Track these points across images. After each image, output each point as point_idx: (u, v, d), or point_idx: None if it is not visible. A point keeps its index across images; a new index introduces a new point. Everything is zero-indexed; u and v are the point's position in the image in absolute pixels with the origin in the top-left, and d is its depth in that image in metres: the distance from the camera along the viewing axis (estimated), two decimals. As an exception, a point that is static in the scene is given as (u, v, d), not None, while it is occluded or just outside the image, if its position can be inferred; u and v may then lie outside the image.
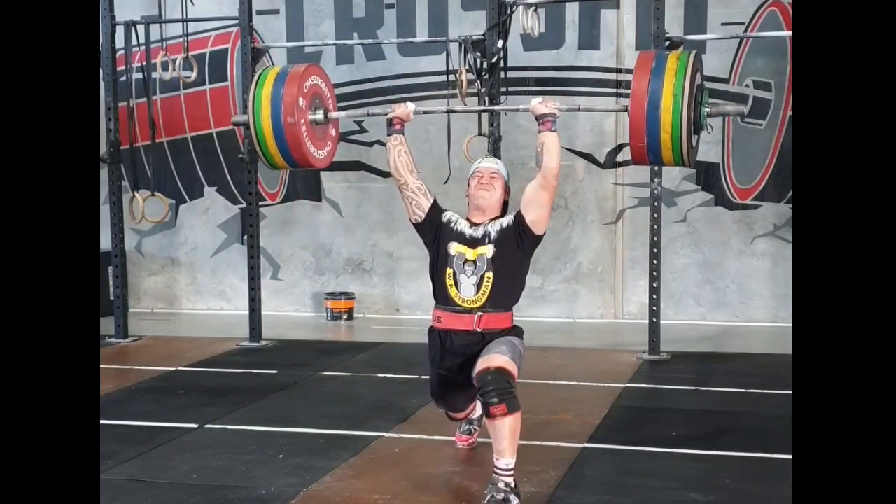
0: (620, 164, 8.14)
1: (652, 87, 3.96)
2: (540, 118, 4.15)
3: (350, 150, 8.63)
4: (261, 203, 8.09)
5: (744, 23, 7.79)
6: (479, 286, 3.99)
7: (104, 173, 7.39)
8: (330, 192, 8.76)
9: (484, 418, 3.92)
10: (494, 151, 6.80)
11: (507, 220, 4.11)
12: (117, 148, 7.41)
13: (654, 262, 6.57)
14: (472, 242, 4.05)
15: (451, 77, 6.72)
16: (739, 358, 6.64)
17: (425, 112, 4.84)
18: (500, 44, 6.61)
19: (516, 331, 4.12)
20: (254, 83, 4.61)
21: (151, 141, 7.52)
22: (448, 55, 6.79)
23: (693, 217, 8.08)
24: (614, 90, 8.04)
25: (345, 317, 8.44)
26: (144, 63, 7.42)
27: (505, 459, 3.74)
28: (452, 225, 4.13)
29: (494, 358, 3.84)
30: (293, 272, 8.89)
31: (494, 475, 3.75)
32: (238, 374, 6.33)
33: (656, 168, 6.51)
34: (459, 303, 4.02)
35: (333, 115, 4.75)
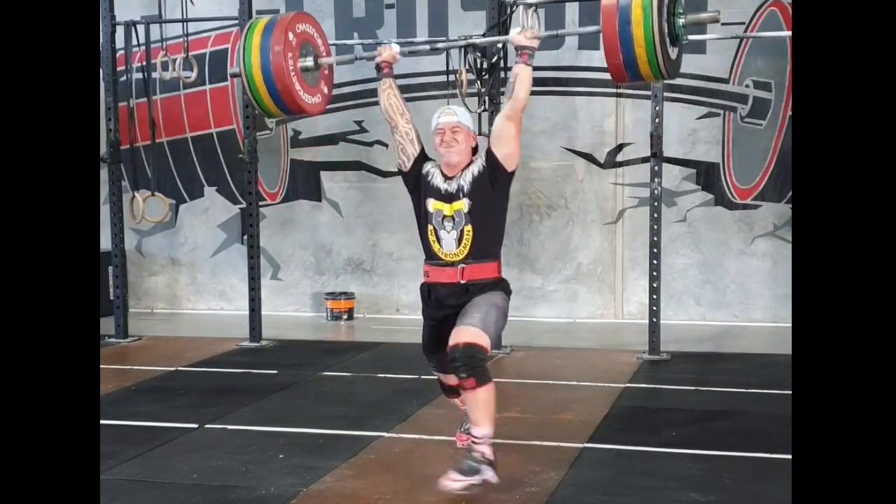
0: (620, 164, 8.15)
1: (621, 2, 3.94)
2: (519, 49, 4.14)
3: (350, 150, 8.64)
4: (261, 203, 8.09)
5: (744, 23, 7.79)
6: (459, 240, 4.04)
7: (104, 173, 7.39)
8: (330, 192, 8.76)
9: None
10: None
11: (478, 164, 4.11)
12: (117, 148, 7.41)
13: (654, 262, 6.57)
14: (448, 197, 4.07)
15: (452, 77, 6.72)
16: (739, 358, 6.64)
17: (410, 53, 4.91)
18: (500, 44, 6.60)
19: (501, 285, 4.13)
20: (243, 34, 4.59)
21: (151, 141, 7.52)
22: (448, 55, 6.79)
23: (693, 217, 8.08)
24: (614, 90, 8.04)
25: (345, 317, 8.44)
26: (144, 63, 7.42)
27: (479, 428, 3.87)
28: (430, 179, 4.14)
29: (463, 332, 3.87)
30: (293, 272, 8.89)
31: (470, 443, 3.90)
32: (238, 374, 6.33)
33: (656, 168, 6.51)
34: (443, 257, 4.06)
35: (323, 60, 4.74)
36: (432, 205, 4.09)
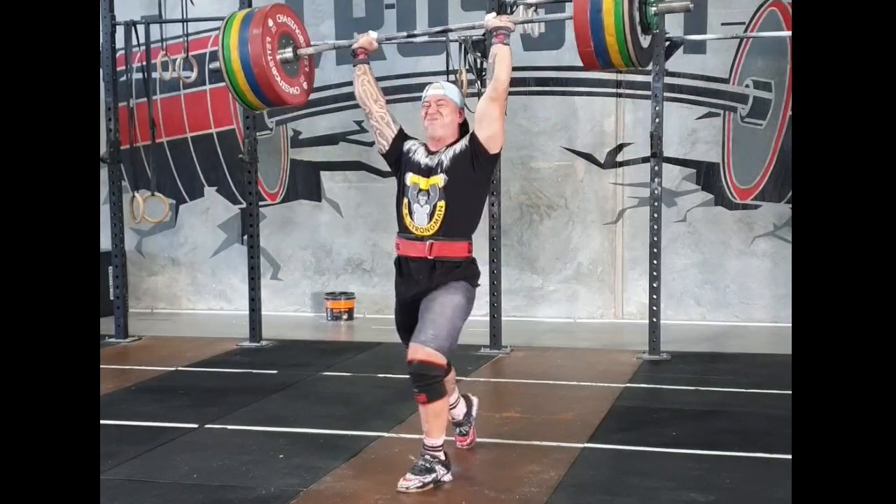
0: (620, 164, 8.15)
1: None
2: (493, 31, 4.18)
3: (350, 150, 8.64)
4: (261, 203, 8.09)
5: (744, 23, 7.79)
6: (431, 215, 4.05)
7: (104, 173, 7.39)
8: (330, 192, 8.76)
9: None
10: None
11: (462, 143, 4.12)
12: (117, 148, 7.41)
13: (654, 262, 6.57)
14: (427, 171, 4.09)
15: (452, 77, 6.72)
16: (739, 358, 6.64)
17: (387, 39, 5.08)
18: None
19: (468, 270, 4.14)
20: (221, 28, 4.58)
21: (151, 141, 7.52)
22: (448, 55, 6.79)
23: (693, 217, 8.08)
24: (614, 90, 8.04)
25: (345, 317, 8.45)
26: (144, 63, 7.42)
27: (430, 439, 4.02)
28: (411, 155, 4.17)
29: (419, 349, 3.94)
30: (293, 272, 8.89)
31: (421, 450, 4.04)
32: (238, 374, 6.33)
33: (656, 168, 6.51)
34: (413, 231, 4.08)
35: (302, 51, 4.74)
36: (410, 178, 4.12)
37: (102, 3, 7.22)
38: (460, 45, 6.66)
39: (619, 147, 8.13)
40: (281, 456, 4.44)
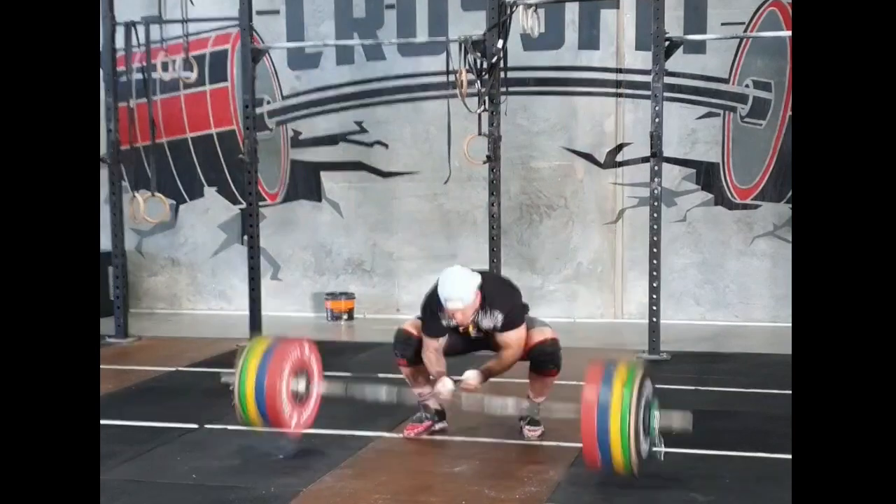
0: (620, 164, 8.14)
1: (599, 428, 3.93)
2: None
3: (350, 150, 8.64)
4: (261, 203, 8.08)
5: (744, 23, 7.79)
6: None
7: (104, 173, 7.39)
8: (330, 192, 8.76)
9: None
10: (494, 151, 6.81)
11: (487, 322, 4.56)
12: (117, 148, 7.41)
13: (654, 262, 6.57)
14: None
15: (451, 77, 6.72)
16: (739, 358, 6.63)
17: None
18: (500, 44, 6.61)
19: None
20: (243, 355, 4.53)
21: (151, 141, 7.52)
22: (448, 55, 6.79)
23: (693, 217, 8.08)
24: (614, 90, 8.04)
25: (345, 317, 8.44)
26: (144, 63, 7.42)
27: (541, 398, 4.70)
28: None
29: (546, 331, 4.72)
30: (293, 272, 8.88)
31: (537, 409, 4.65)
32: (238, 374, 6.32)
33: (656, 168, 6.52)
34: None
35: (314, 387, 4.66)
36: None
37: (102, 4, 7.22)
38: (460, 45, 6.66)
39: (619, 147, 8.13)
40: (281, 456, 4.44)
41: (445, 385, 4.46)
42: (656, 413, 4.05)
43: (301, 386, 4.51)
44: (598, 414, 3.83)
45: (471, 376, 4.47)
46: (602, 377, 3.93)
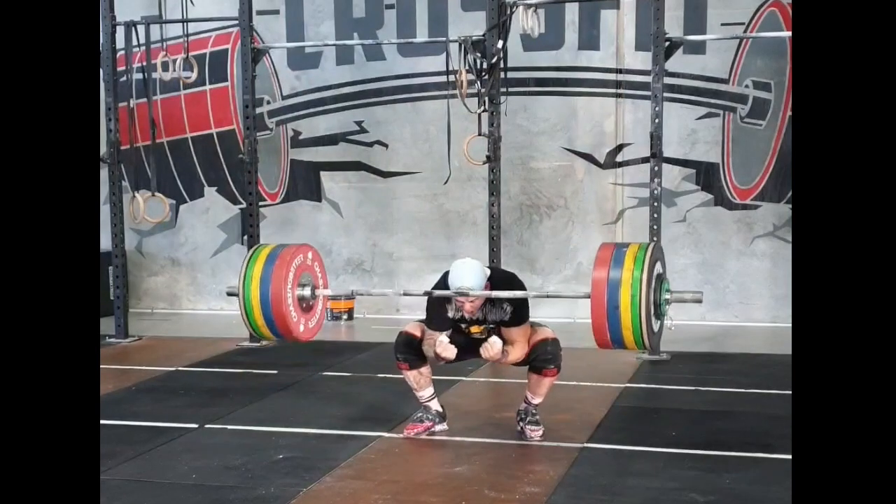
0: (620, 165, 8.15)
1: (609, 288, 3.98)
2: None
3: (350, 150, 8.64)
4: (261, 203, 8.09)
5: (744, 23, 7.79)
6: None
7: (104, 173, 7.39)
8: (330, 192, 8.76)
9: None
10: (494, 151, 6.81)
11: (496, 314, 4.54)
12: (117, 148, 7.41)
13: (654, 262, 6.57)
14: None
15: (451, 77, 6.72)
16: (739, 358, 6.64)
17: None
18: (500, 44, 6.61)
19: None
20: (245, 260, 4.56)
21: (152, 141, 7.52)
22: (448, 55, 6.79)
23: (693, 217, 8.08)
24: (614, 90, 8.04)
25: (345, 317, 8.44)
26: (144, 63, 7.43)
27: (539, 399, 4.72)
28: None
29: (547, 330, 4.69)
30: (293, 272, 8.87)
31: (532, 410, 4.69)
32: (238, 374, 6.33)
33: (656, 168, 6.52)
34: None
35: (319, 292, 4.74)
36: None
37: (102, 4, 7.22)
38: (460, 45, 6.66)
39: (619, 147, 8.13)
40: (281, 456, 4.44)
41: (443, 339, 4.47)
42: (667, 295, 4.04)
43: (307, 291, 4.49)
44: (608, 290, 3.79)
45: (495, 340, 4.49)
46: (612, 257, 3.89)
